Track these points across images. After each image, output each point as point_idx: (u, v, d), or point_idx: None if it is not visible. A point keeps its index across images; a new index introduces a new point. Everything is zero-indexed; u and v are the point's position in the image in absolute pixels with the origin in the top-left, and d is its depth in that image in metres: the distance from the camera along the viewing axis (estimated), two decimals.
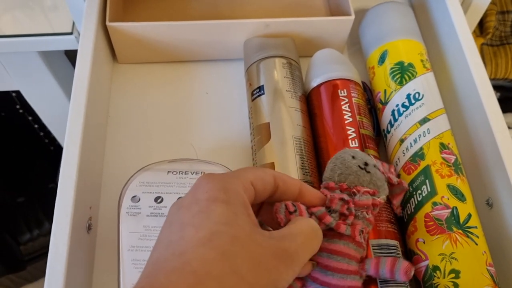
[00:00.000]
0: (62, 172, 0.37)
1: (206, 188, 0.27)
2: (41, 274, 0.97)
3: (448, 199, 0.37)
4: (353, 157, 0.34)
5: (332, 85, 0.43)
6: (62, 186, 0.36)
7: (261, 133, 0.42)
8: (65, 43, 0.57)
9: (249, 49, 0.48)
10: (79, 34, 0.46)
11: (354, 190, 0.32)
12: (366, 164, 0.34)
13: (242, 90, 0.48)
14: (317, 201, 0.32)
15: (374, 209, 0.33)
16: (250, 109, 0.45)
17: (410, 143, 0.41)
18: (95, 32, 0.44)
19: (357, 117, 0.42)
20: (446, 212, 0.37)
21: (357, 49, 0.53)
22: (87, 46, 0.44)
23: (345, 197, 0.32)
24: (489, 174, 0.39)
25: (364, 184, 0.33)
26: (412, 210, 0.38)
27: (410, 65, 0.44)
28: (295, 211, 0.30)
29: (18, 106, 0.86)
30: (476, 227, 0.37)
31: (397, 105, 0.43)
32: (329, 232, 0.31)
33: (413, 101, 0.42)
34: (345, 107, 0.42)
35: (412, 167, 0.40)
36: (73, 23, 0.56)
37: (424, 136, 0.40)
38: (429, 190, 0.38)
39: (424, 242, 0.37)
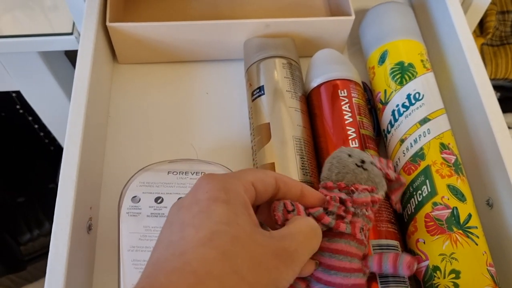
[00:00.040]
0: (62, 172, 0.37)
1: (207, 188, 0.27)
2: (41, 274, 0.97)
3: (448, 199, 0.37)
4: (349, 155, 0.34)
5: (332, 85, 0.43)
6: (62, 186, 0.36)
7: (261, 133, 0.42)
8: (65, 43, 0.57)
9: (249, 49, 0.48)
10: (79, 34, 0.46)
11: (353, 188, 0.33)
12: (363, 161, 0.34)
13: (242, 90, 0.48)
14: (318, 203, 0.32)
15: (374, 205, 0.33)
16: (250, 109, 0.45)
17: (410, 143, 0.41)
18: (95, 33, 0.44)
19: (357, 117, 0.42)
20: (446, 212, 0.37)
21: (357, 49, 0.53)
22: (87, 46, 0.44)
23: (344, 196, 0.32)
24: (489, 174, 0.39)
25: (362, 181, 0.33)
26: (412, 210, 0.38)
27: (410, 65, 0.44)
28: (293, 210, 0.30)
29: (18, 106, 0.86)
30: (476, 227, 0.37)
31: (397, 105, 0.43)
32: (330, 232, 0.31)
33: (413, 101, 0.42)
34: (345, 107, 0.42)
35: (412, 167, 0.40)
36: (73, 23, 0.56)
37: (424, 136, 0.40)
38: (429, 190, 0.38)
39: (424, 242, 0.37)
